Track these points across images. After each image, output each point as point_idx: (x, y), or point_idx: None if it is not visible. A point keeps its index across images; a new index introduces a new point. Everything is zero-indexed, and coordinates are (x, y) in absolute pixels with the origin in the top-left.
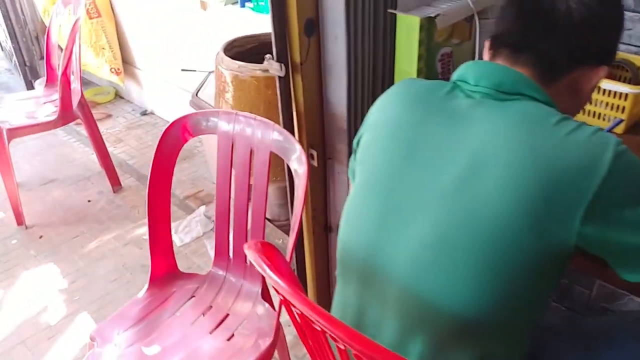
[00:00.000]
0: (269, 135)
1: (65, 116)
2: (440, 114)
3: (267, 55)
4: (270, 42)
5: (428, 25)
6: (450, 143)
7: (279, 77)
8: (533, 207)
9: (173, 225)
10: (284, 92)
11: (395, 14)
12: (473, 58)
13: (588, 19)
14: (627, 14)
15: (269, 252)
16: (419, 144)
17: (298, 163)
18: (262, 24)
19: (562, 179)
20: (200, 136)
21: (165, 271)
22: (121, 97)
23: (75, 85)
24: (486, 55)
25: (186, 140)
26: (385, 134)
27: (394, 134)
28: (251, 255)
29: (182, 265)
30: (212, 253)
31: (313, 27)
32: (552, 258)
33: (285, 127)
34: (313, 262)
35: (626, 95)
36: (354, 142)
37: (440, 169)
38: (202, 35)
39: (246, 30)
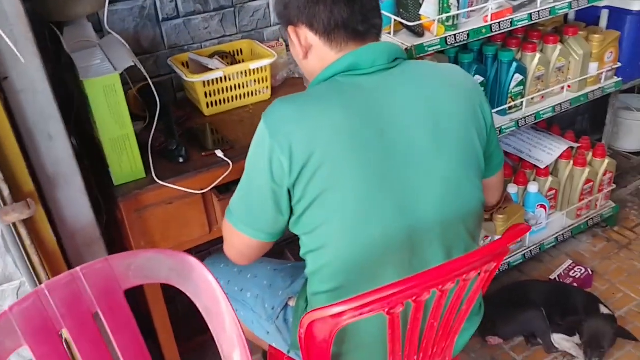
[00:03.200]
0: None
1: None
2: (367, 100)
3: None
4: None
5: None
6: (402, 110)
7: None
8: (475, 122)
9: None
10: (24, 245)
11: (81, 82)
12: None
13: None
14: (202, 15)
15: None
16: (381, 132)
17: None
18: None
19: (474, 97)
20: None
21: None
22: None
23: None
24: (327, 48)
25: None
26: (342, 150)
27: (351, 143)
28: None
29: None
30: None
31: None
32: None
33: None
34: None
35: (265, 67)
36: (270, 188)
37: (412, 136)
38: None
39: None
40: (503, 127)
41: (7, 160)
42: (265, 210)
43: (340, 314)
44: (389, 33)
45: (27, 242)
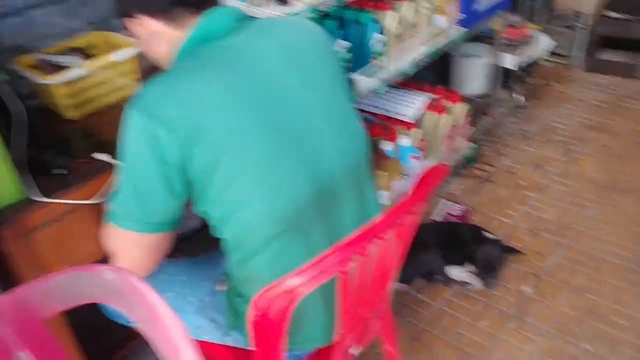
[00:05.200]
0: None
1: None
2: (231, 58)
3: None
4: None
5: None
6: (264, 68)
7: None
8: (333, 55)
9: None
10: None
11: None
12: None
13: None
14: (42, 9)
15: None
16: (254, 83)
17: None
18: None
19: (323, 36)
20: None
21: None
22: None
23: None
24: (171, 29)
25: None
26: (223, 110)
27: (228, 101)
28: None
29: None
30: None
31: None
32: None
33: None
34: None
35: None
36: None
37: (283, 79)
38: None
39: None
40: (377, 89)
41: None
42: (157, 197)
43: (296, 286)
44: (255, 5)
45: None
